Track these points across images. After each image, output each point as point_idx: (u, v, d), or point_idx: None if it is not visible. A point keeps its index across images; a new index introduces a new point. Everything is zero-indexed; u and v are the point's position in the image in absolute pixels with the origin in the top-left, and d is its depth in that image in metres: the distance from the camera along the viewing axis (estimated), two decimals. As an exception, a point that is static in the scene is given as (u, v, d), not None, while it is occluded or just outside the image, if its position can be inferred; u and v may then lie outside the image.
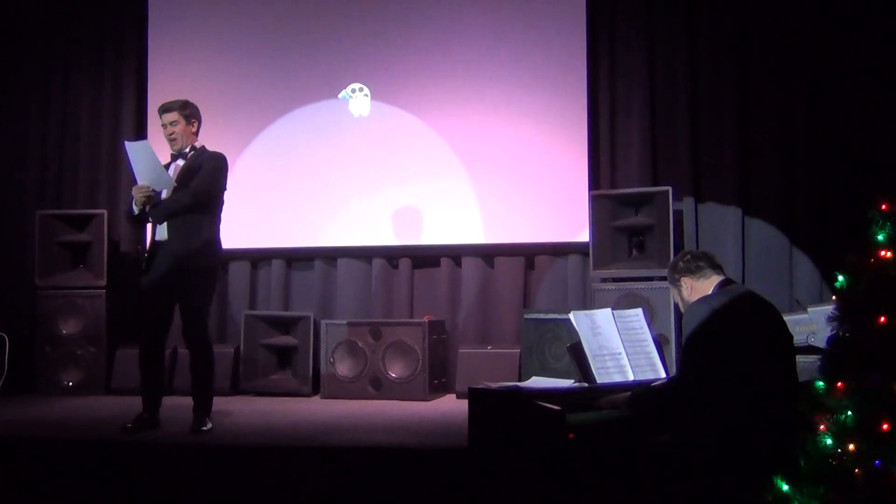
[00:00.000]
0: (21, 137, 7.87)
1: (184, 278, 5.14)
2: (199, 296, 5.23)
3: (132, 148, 5.19)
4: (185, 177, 5.23)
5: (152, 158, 5.14)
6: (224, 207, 5.39)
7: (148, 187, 5.16)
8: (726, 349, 3.42)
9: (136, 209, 5.24)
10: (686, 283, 3.81)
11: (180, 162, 5.32)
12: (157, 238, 5.23)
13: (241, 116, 7.46)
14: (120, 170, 7.62)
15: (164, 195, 5.23)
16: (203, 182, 5.21)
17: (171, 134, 5.28)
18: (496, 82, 7.09)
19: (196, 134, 5.38)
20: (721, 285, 3.74)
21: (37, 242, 7.34)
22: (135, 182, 5.25)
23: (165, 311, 5.26)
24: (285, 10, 7.51)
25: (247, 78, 7.52)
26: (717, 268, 3.82)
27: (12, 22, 7.89)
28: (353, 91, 7.35)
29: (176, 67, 7.60)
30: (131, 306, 7.48)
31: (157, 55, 7.67)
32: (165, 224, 5.18)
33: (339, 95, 7.38)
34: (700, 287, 3.78)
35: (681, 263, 3.87)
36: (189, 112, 5.32)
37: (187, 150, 5.33)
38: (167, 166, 5.32)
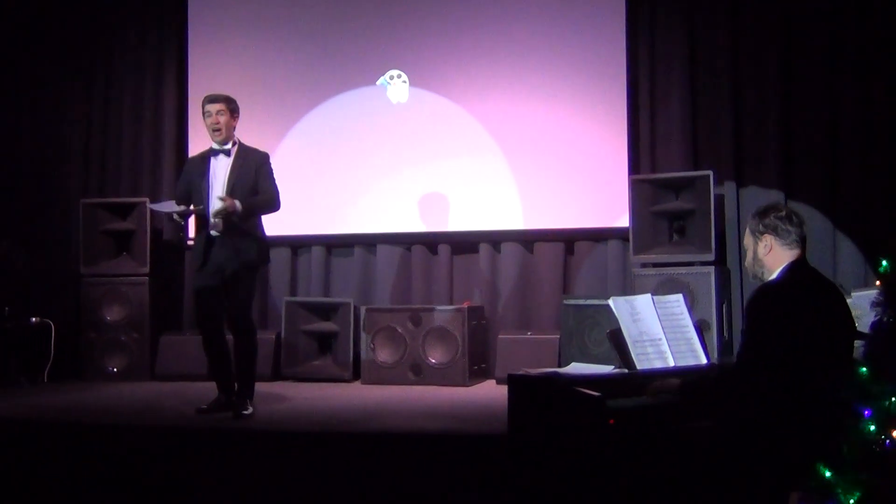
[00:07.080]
0: (65, 128, 7.96)
1: (237, 272, 5.32)
2: (250, 289, 5.48)
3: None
4: (239, 177, 5.39)
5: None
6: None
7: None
8: (789, 341, 3.30)
9: (213, 221, 5.35)
10: (768, 240, 3.52)
11: (221, 157, 5.43)
12: (211, 232, 5.36)
13: (280, 104, 7.50)
14: (162, 158, 7.72)
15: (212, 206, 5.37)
16: (275, 186, 5.50)
17: (217, 124, 5.40)
18: (535, 67, 7.06)
19: (234, 129, 5.50)
20: (792, 267, 3.49)
21: (81, 231, 7.43)
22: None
23: (221, 300, 5.43)
24: (323, -2, 7.54)
25: (286, 66, 7.55)
26: (802, 240, 3.53)
27: (56, 14, 7.97)
28: (392, 78, 7.35)
29: (216, 57, 7.66)
30: (174, 293, 7.64)
31: (197, 45, 7.73)
32: (221, 221, 5.32)
33: (378, 82, 7.38)
34: (777, 253, 3.51)
35: (772, 217, 3.53)
36: (233, 106, 5.47)
37: (228, 144, 5.45)
38: (206, 159, 5.46)
